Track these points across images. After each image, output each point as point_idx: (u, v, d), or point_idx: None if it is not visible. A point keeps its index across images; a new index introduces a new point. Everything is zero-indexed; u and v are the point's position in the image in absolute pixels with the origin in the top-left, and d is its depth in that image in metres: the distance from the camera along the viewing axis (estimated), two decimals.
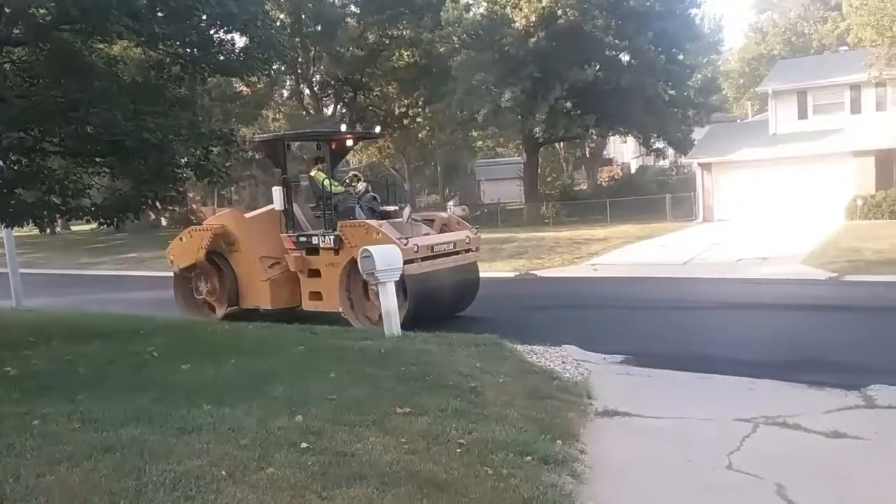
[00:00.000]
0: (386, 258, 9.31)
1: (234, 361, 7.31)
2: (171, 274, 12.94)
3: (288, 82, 44.57)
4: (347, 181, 12.54)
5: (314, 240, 11.40)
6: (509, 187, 49.71)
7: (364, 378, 6.58)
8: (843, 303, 11.98)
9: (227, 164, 12.05)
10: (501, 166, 54.03)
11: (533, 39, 29.61)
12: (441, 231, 11.89)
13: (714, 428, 5.94)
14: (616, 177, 49.23)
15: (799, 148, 27.67)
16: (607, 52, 31.89)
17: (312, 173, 12.15)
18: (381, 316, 10.73)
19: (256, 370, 6.94)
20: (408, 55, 39.67)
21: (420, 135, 41.16)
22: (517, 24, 30.23)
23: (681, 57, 35.04)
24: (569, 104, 30.10)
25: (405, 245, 10.33)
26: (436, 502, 4.02)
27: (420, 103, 40.14)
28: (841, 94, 28.95)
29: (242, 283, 12.16)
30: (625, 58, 33.11)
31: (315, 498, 3.92)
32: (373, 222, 10.88)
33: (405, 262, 10.29)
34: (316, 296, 11.60)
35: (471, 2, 37.27)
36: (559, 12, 29.57)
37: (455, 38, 33.20)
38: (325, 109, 44.99)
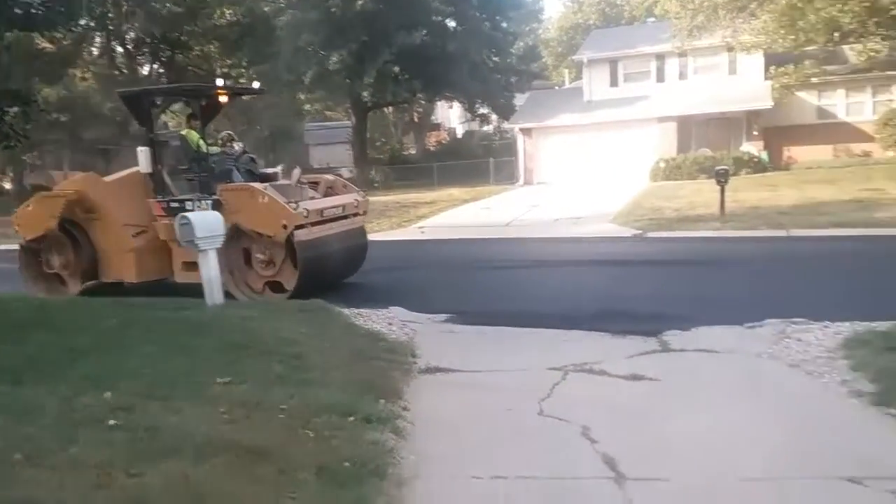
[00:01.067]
0: (206, 225, 8.95)
1: (38, 338, 6.78)
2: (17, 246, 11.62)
3: (98, 39, 41.33)
4: (222, 141, 11.50)
5: (188, 205, 10.36)
6: (338, 152, 49.07)
7: (182, 350, 6.33)
8: (646, 258, 13.00)
9: (26, 127, 11.04)
10: (330, 130, 53.18)
11: (360, 2, 29.30)
12: (327, 194, 11.24)
13: (528, 377, 6.28)
14: (443, 141, 50.09)
15: (610, 114, 29.50)
16: (434, 18, 32.19)
17: (184, 132, 11.11)
18: (265, 286, 10.37)
19: (64, 347, 6.46)
20: (230, 13, 37.96)
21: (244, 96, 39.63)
22: None
23: (504, 24, 36.06)
24: (396, 69, 30.19)
25: (295, 209, 9.75)
26: (255, 470, 3.97)
27: (244, 64, 38.60)
28: (648, 63, 31.07)
29: (103, 255, 10.99)
30: (451, 24, 33.57)
31: (122, 475, 3.75)
32: (257, 185, 10.08)
33: (295, 228, 9.79)
34: (191, 266, 10.39)
35: None
36: None
37: None
38: (139, 69, 42.20)
